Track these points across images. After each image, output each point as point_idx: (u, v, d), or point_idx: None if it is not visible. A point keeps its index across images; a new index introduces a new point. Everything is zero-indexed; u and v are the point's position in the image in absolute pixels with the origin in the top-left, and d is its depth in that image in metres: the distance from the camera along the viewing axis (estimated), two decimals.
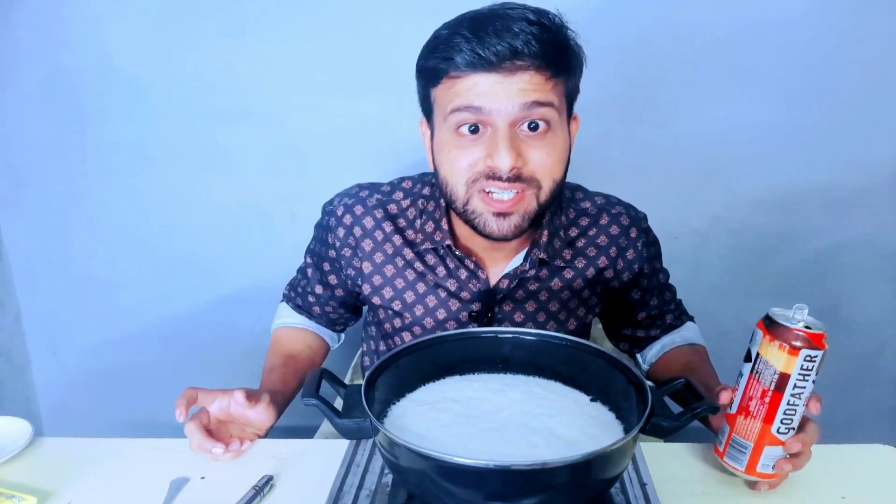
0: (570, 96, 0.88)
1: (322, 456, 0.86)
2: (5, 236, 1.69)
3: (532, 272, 0.98)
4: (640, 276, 1.06)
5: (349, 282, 1.06)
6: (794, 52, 1.51)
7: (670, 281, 1.16)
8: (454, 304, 0.99)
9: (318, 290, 1.12)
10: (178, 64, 1.55)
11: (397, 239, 0.99)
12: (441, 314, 1.00)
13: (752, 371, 0.75)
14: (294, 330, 1.16)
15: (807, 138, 1.57)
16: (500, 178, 0.82)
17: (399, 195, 1.01)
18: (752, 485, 0.80)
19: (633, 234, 1.03)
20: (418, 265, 0.99)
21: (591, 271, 1.01)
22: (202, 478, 0.83)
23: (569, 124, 0.90)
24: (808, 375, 0.73)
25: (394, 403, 0.77)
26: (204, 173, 1.63)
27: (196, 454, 0.86)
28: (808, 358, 0.72)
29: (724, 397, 0.77)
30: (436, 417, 0.73)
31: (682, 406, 0.73)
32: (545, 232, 0.97)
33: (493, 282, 0.98)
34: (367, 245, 1.00)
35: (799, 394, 0.74)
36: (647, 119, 1.57)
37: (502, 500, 0.64)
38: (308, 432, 1.18)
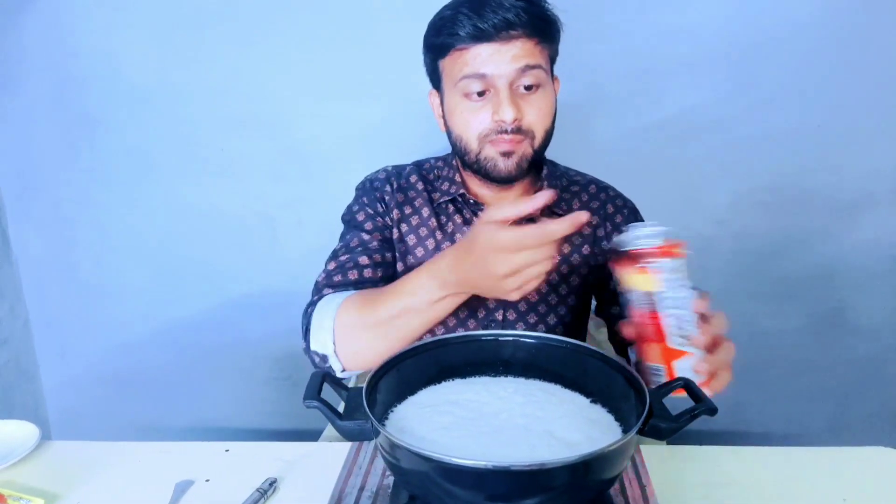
0: (553, 59, 1.04)
1: (325, 458, 0.86)
2: (14, 242, 1.71)
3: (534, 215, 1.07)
4: None
5: (392, 238, 1.12)
6: (799, 56, 1.51)
7: None
8: None
9: (363, 260, 1.07)
10: (184, 71, 1.57)
11: (426, 195, 1.13)
12: None
13: (629, 302, 0.78)
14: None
15: (811, 142, 1.58)
16: (505, 132, 0.97)
17: (426, 165, 1.18)
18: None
19: (619, 203, 1.16)
20: (442, 217, 1.11)
21: (586, 229, 1.13)
22: (207, 480, 0.84)
23: (553, 83, 1.04)
24: (675, 281, 0.74)
25: (395, 406, 0.77)
26: (210, 179, 1.65)
27: (199, 458, 0.87)
28: (659, 269, 0.74)
29: (625, 331, 0.82)
30: (437, 420, 0.74)
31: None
32: (544, 183, 1.11)
33: None
34: (400, 197, 1.13)
35: (676, 303, 0.75)
36: (652, 122, 1.58)
37: (503, 501, 0.64)
38: (313, 436, 1.19)
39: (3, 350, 1.66)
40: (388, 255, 1.10)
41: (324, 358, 0.95)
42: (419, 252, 1.11)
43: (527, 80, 0.97)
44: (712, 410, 0.71)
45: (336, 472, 0.82)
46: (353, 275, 1.05)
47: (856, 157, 1.57)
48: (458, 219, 1.11)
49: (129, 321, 1.76)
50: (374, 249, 1.09)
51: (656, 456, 0.85)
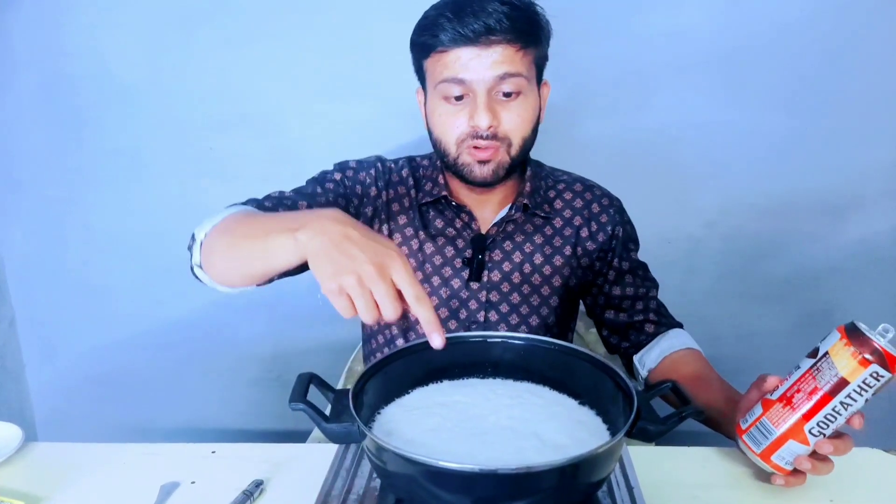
0: (540, 64, 1.02)
1: (312, 460, 0.86)
2: (0, 241, 1.69)
3: (517, 216, 1.10)
4: (613, 242, 1.13)
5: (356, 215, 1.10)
6: (788, 58, 1.52)
7: (661, 287, 1.17)
8: (450, 251, 1.10)
9: (302, 204, 1.05)
10: (173, 71, 1.56)
11: (406, 199, 1.11)
12: (437, 260, 1.10)
13: (812, 366, 0.75)
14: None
15: (800, 144, 1.58)
16: (481, 137, 0.97)
17: (416, 162, 1.16)
18: (767, 477, 0.80)
19: (605, 203, 1.14)
20: (419, 220, 1.10)
21: (568, 230, 1.12)
22: (192, 482, 0.84)
23: (539, 89, 1.03)
24: (866, 391, 0.72)
25: (382, 408, 0.77)
26: (200, 179, 1.64)
27: (185, 460, 0.87)
28: (875, 375, 0.71)
29: (770, 382, 0.80)
30: (424, 422, 0.74)
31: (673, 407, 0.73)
32: (528, 185, 1.10)
33: (484, 231, 1.11)
34: (390, 194, 1.12)
35: (848, 404, 0.73)
36: (642, 124, 1.58)
37: None
38: (301, 437, 1.19)
39: None
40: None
41: (190, 248, 0.92)
42: (404, 251, 1.10)
43: (506, 88, 0.97)
44: (699, 413, 0.71)
45: (323, 475, 0.81)
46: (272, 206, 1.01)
47: (843, 159, 1.58)
48: (439, 223, 1.11)
49: (116, 321, 1.75)
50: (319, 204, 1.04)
51: (644, 457, 0.85)
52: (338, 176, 1.10)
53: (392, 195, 1.12)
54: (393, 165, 1.14)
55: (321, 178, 1.10)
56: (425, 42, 0.98)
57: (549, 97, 1.07)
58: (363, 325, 1.23)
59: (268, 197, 1.03)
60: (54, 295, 1.74)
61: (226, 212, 0.91)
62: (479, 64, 0.95)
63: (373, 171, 1.12)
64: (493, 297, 1.09)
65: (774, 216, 1.63)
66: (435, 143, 1.05)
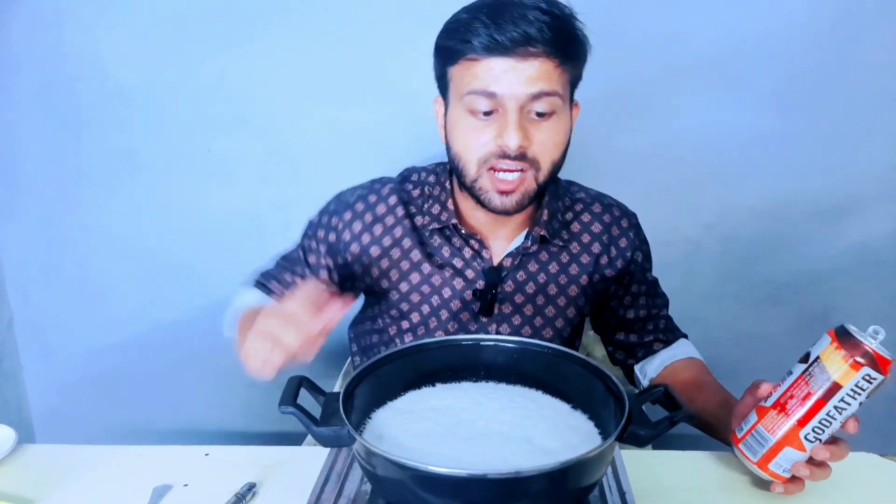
0: (574, 83, 0.96)
1: (306, 463, 0.86)
2: None
3: (533, 248, 1.02)
4: (632, 266, 1.09)
5: (347, 266, 1.07)
6: (786, 60, 1.51)
7: (662, 289, 1.17)
8: (459, 283, 1.02)
9: (287, 277, 1.10)
10: (172, 72, 1.56)
11: (407, 223, 1.03)
12: (446, 293, 1.02)
13: (804, 371, 0.74)
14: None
15: (798, 146, 1.58)
16: (508, 157, 0.89)
17: (409, 185, 1.07)
18: (762, 482, 0.80)
19: (624, 224, 1.09)
20: (425, 247, 1.03)
21: (585, 257, 1.06)
22: (185, 485, 0.84)
23: (570, 109, 0.96)
24: (859, 395, 0.72)
25: (374, 411, 0.77)
26: (198, 181, 1.63)
27: (178, 462, 0.87)
28: (868, 377, 0.71)
29: (764, 388, 0.79)
30: (415, 426, 0.73)
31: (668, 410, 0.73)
32: (545, 211, 1.02)
33: (496, 261, 1.03)
34: (378, 230, 1.04)
35: (842, 408, 0.73)
36: (640, 126, 1.57)
37: None
38: (298, 439, 1.19)
39: None
40: (329, 265, 1.08)
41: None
42: (404, 287, 1.03)
43: (539, 107, 0.88)
44: (690, 418, 0.71)
45: (315, 478, 0.81)
46: (275, 287, 1.10)
47: (842, 161, 1.58)
48: (446, 251, 1.02)
49: (114, 323, 1.75)
50: (301, 274, 1.09)
51: (638, 462, 0.85)
52: (313, 243, 1.09)
53: (380, 232, 1.03)
54: (381, 194, 1.06)
55: (311, 233, 1.10)
56: (454, 47, 0.89)
57: (576, 121, 1.00)
58: (350, 327, 1.21)
59: (266, 276, 1.12)
60: (52, 296, 1.73)
61: (239, 306, 1.06)
62: (514, 78, 0.86)
63: (347, 215, 1.05)
64: (504, 329, 1.04)
65: (772, 218, 1.63)
66: (453, 159, 0.95)
